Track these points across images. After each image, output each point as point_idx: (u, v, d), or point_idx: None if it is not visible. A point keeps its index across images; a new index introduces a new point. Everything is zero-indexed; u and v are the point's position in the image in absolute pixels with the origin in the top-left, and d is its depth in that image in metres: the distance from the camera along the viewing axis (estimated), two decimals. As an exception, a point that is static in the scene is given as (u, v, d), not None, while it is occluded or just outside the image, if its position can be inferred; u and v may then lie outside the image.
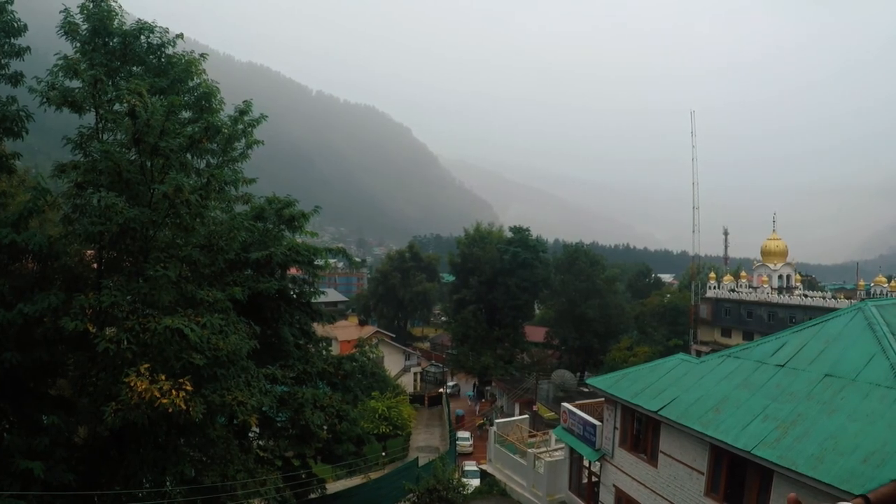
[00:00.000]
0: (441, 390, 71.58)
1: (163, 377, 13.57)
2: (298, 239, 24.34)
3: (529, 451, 32.72)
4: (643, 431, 23.05)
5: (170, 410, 13.31)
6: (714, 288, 75.84)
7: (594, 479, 27.32)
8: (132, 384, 13.12)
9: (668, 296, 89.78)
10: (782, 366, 19.56)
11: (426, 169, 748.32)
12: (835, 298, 65.23)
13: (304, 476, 24.30)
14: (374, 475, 35.37)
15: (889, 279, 67.92)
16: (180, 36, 19.38)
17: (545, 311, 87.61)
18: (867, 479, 13.10)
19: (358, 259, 34.53)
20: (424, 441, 52.08)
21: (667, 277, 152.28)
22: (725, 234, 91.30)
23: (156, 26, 18.76)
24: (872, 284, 67.60)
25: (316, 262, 24.30)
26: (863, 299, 33.99)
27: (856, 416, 15.51)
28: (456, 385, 75.92)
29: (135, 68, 18.56)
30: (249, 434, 22.53)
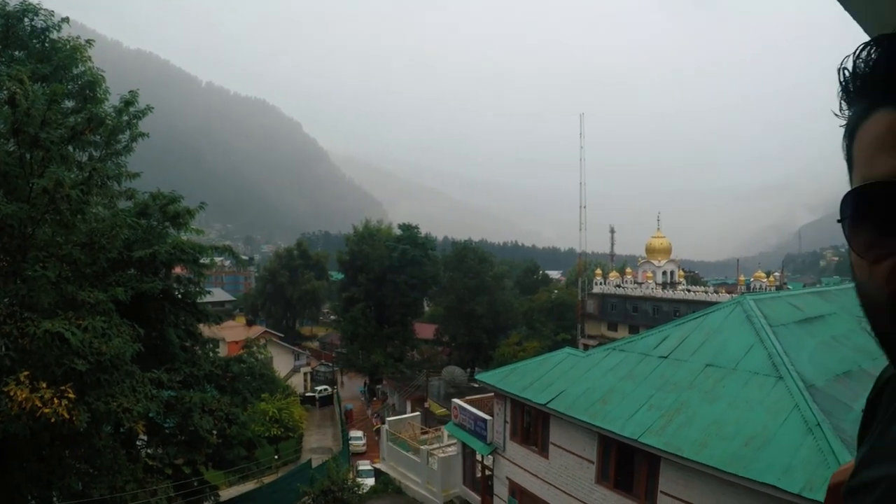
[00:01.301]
0: (310, 394, 68.02)
1: (44, 385, 12.75)
2: (183, 236, 23.49)
3: (422, 447, 32.86)
4: (533, 424, 23.49)
5: (52, 420, 12.53)
6: (600, 284, 78.64)
7: (488, 472, 27.70)
8: (12, 393, 12.26)
9: (556, 292, 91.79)
10: (666, 357, 20.40)
11: (316, 165, 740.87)
12: (716, 293, 69.00)
13: (195, 483, 23.50)
14: (267, 479, 34.72)
15: (767, 275, 71.49)
16: (66, 20, 18.25)
17: (434, 308, 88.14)
18: (749, 461, 14.00)
19: (245, 257, 33.64)
20: (317, 442, 51.34)
21: (554, 274, 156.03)
22: (612, 232, 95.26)
23: (41, 8, 17.59)
24: (752, 280, 70.85)
25: (201, 261, 23.52)
26: (742, 293, 36.01)
27: (736, 403, 16.48)
28: (326, 388, 70.51)
29: (16, 53, 17.36)
30: (137, 442, 21.52)
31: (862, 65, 0.75)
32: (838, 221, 0.77)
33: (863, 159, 0.75)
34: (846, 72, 0.78)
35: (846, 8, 1.84)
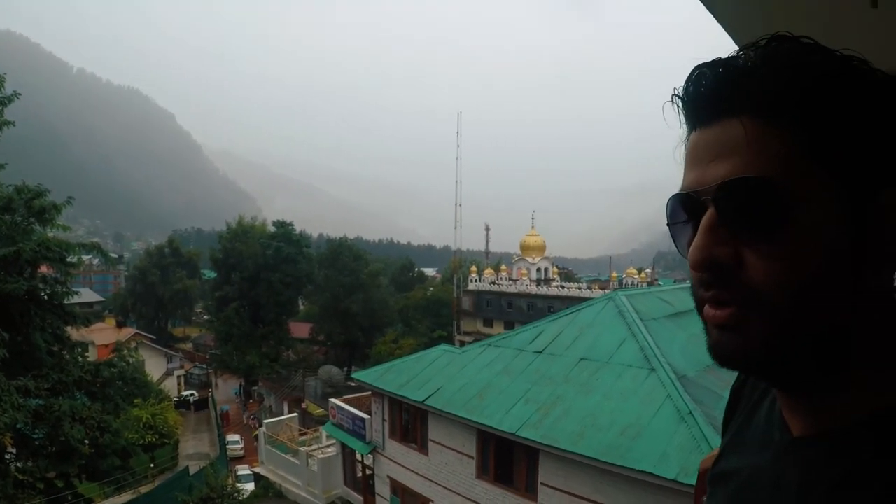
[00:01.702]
0: (176, 398, 64.69)
1: None
2: (50, 233, 22.43)
3: (301, 449, 32.58)
4: (412, 422, 23.53)
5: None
6: (475, 281, 79.55)
7: (368, 472, 27.69)
8: None
9: (432, 289, 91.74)
10: (541, 352, 20.83)
11: (190, 158, 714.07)
12: (589, 289, 70.45)
13: (69, 497, 22.46)
14: (143, 489, 33.02)
15: (639, 271, 74.73)
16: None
17: (310, 307, 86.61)
18: (625, 450, 14.76)
19: (114, 255, 32.35)
20: (194, 448, 49.39)
21: (430, 271, 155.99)
22: (487, 230, 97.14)
23: None
24: (624, 276, 73.60)
25: (68, 259, 22.59)
26: (615, 290, 37.59)
27: (611, 395, 17.19)
28: (193, 394, 67.11)
29: None
30: (6, 456, 20.26)
31: (681, 92, 0.88)
32: (668, 225, 0.92)
33: (683, 173, 0.90)
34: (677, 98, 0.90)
35: (718, 20, 2.08)
